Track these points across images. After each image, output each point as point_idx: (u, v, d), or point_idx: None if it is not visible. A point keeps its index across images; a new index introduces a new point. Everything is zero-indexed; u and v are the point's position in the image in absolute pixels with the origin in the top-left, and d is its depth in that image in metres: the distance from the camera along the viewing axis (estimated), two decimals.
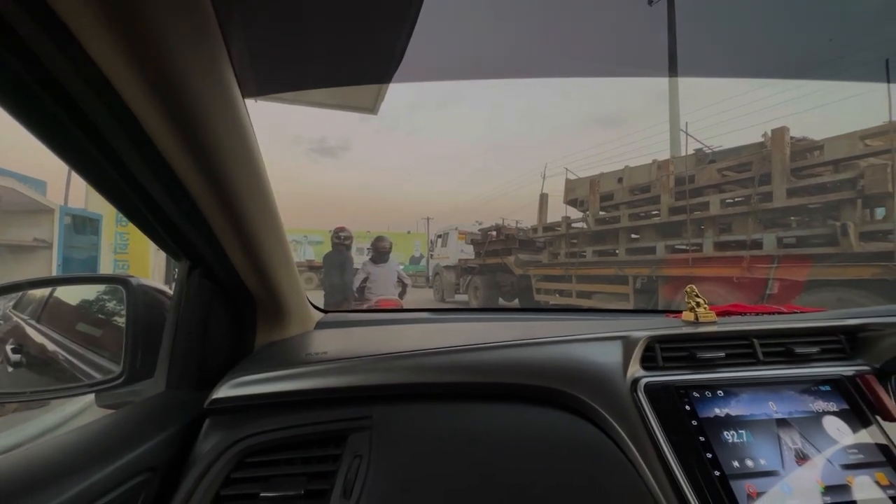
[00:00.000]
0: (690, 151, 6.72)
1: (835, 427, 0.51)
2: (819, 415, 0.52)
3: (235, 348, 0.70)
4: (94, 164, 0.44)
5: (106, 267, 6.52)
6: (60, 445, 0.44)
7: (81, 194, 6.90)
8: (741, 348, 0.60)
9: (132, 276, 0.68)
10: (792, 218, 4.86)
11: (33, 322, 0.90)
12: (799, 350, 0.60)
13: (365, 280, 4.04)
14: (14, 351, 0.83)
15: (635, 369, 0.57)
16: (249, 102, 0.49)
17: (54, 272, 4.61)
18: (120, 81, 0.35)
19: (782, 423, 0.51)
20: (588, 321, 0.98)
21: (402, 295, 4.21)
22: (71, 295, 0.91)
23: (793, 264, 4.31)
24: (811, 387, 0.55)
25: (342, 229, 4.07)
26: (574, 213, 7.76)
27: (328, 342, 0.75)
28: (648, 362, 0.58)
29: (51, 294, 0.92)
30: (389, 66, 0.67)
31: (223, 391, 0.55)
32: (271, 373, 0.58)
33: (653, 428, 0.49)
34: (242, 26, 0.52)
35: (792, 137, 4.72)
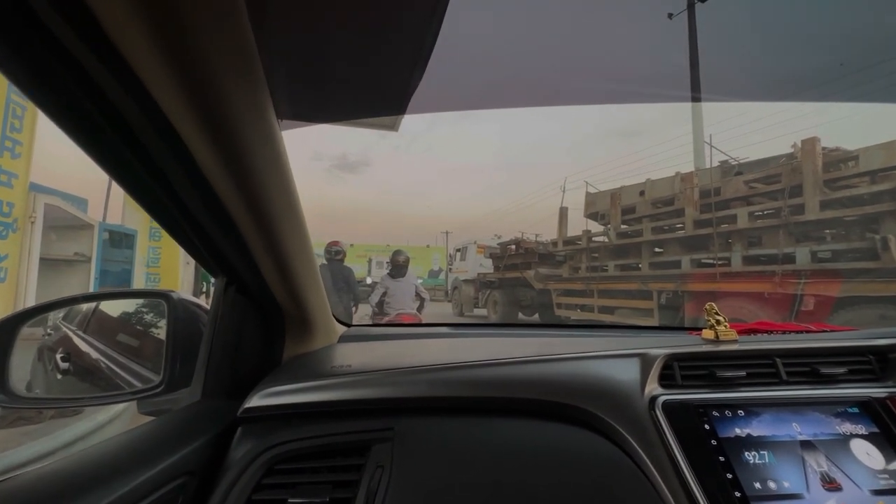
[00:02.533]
0: (715, 164, 6.61)
1: (864, 450, 0.50)
2: (847, 437, 0.51)
3: (265, 360, 0.74)
4: (146, 189, 0.48)
5: (139, 280, 6.73)
6: (110, 449, 0.48)
7: (119, 210, 7.28)
8: (763, 367, 0.59)
9: (173, 291, 0.74)
10: (826, 231, 4.67)
11: (80, 332, 0.97)
12: (825, 370, 0.58)
13: (384, 294, 4.10)
14: (63, 359, 0.90)
15: (653, 387, 0.57)
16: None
17: (91, 285, 4.75)
18: (170, 110, 0.38)
19: (807, 444, 0.50)
20: (606, 338, 0.98)
21: (420, 309, 4.25)
22: (114, 307, 0.98)
23: (828, 279, 4.13)
24: (838, 408, 0.54)
25: (335, 244, 4.24)
26: (595, 227, 7.70)
27: (352, 355, 0.78)
28: (667, 380, 0.58)
29: (96, 306, 0.99)
30: (405, 97, 0.71)
31: (255, 401, 0.59)
32: (299, 384, 0.61)
33: (671, 446, 0.49)
34: (279, 57, 0.57)
35: (824, 148, 4.57)
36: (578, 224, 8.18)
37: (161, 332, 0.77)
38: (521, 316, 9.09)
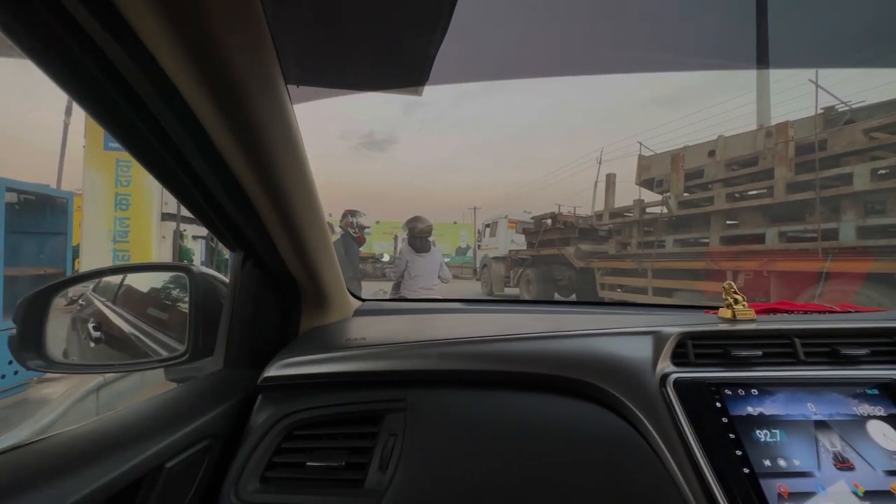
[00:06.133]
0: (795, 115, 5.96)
1: (880, 432, 0.54)
2: (863, 419, 0.55)
3: (283, 332, 0.85)
4: (161, 163, 0.56)
5: (103, 258, 5.93)
6: (139, 412, 0.58)
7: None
8: (781, 347, 0.63)
9: (194, 265, 0.86)
10: None
11: (109, 304, 1.13)
12: (845, 351, 0.62)
13: (405, 271, 4.12)
14: (95, 329, 1.06)
15: (665, 365, 0.63)
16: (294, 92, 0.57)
17: None
18: (174, 75, 0.41)
19: (821, 424, 0.55)
20: (621, 315, 1.03)
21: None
22: (140, 281, 1.14)
23: None
24: (857, 389, 0.58)
25: (352, 213, 4.12)
26: (648, 196, 7.44)
27: (366, 329, 0.88)
28: (680, 359, 0.63)
29: (123, 279, 1.15)
30: (425, 67, 0.76)
31: (273, 370, 0.70)
32: (315, 356, 0.71)
33: (681, 423, 0.55)
34: (290, 24, 0.63)
35: None
36: (620, 196, 7.97)
37: (184, 305, 0.90)
38: (556, 296, 9.11)
